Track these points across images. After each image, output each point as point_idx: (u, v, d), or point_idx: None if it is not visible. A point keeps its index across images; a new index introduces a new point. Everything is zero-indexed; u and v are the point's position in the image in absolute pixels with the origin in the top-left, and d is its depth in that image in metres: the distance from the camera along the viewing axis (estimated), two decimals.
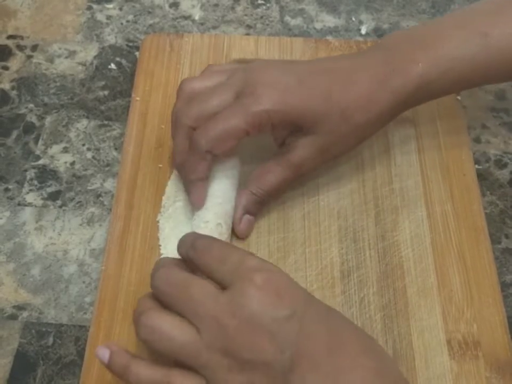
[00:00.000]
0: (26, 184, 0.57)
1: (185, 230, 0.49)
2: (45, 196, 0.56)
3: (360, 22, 0.69)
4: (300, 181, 0.54)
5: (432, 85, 0.50)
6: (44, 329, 0.50)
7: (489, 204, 0.57)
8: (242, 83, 0.48)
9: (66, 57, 0.66)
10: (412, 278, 0.50)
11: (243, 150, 0.52)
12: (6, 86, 0.63)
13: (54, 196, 0.56)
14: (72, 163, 0.58)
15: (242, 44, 0.64)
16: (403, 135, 0.58)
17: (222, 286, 0.41)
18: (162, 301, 0.42)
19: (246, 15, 0.69)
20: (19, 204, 0.56)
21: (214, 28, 0.68)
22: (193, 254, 0.42)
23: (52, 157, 0.59)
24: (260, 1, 0.71)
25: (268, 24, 0.69)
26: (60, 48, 0.66)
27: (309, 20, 0.69)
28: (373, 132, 0.52)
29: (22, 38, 0.67)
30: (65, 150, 0.59)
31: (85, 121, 0.61)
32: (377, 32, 0.68)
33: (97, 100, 0.63)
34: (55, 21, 0.69)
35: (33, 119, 0.61)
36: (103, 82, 0.64)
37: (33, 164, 0.58)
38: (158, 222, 0.52)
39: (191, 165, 0.49)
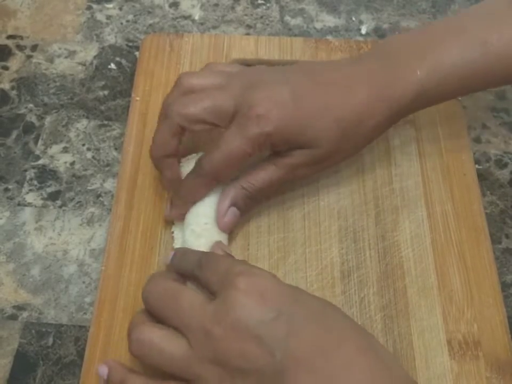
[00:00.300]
0: (26, 184, 0.57)
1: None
2: (45, 196, 0.56)
3: (360, 22, 0.69)
4: (300, 182, 0.54)
5: (431, 92, 0.49)
6: (43, 329, 0.50)
7: (490, 203, 0.57)
8: (239, 92, 0.48)
9: (66, 57, 0.66)
10: (412, 278, 0.50)
11: None
12: (6, 86, 0.63)
13: (54, 196, 0.56)
14: (72, 163, 0.58)
15: (242, 44, 0.64)
16: (403, 136, 0.58)
17: (214, 296, 0.41)
18: (153, 314, 0.42)
19: (246, 15, 0.69)
20: (19, 204, 0.56)
21: (214, 27, 0.68)
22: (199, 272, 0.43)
23: (52, 157, 0.59)
24: (259, 1, 0.71)
25: (268, 24, 0.69)
26: (59, 48, 0.66)
27: (309, 20, 0.69)
28: (371, 141, 0.52)
29: (21, 38, 0.67)
30: (65, 150, 0.59)
31: (84, 121, 0.61)
32: (377, 32, 0.68)
33: (97, 99, 0.63)
34: (55, 21, 0.69)
35: (33, 119, 0.61)
36: (103, 82, 0.64)
37: (33, 163, 0.58)
38: (172, 232, 0.52)
39: (192, 187, 0.49)
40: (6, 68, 0.65)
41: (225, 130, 0.48)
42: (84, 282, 0.52)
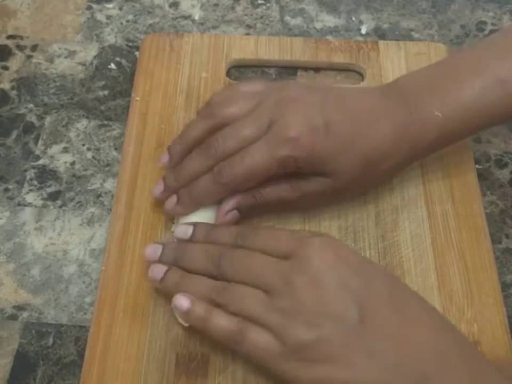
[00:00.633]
0: (26, 184, 0.57)
1: None
2: (45, 196, 0.56)
3: (360, 22, 0.69)
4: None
5: (451, 134, 0.50)
6: (44, 329, 0.50)
7: (490, 203, 0.57)
8: (271, 113, 0.48)
9: (66, 57, 0.66)
10: (412, 278, 0.50)
11: None
12: (6, 86, 0.63)
13: (54, 196, 0.56)
14: (72, 163, 0.58)
15: (242, 44, 0.64)
16: None
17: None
18: (219, 274, 0.45)
19: (246, 15, 0.69)
20: (19, 204, 0.56)
21: (214, 27, 0.68)
22: (243, 241, 0.46)
23: (52, 157, 0.59)
24: (259, 1, 0.71)
25: (268, 24, 0.69)
26: (59, 48, 0.66)
27: (309, 20, 0.69)
28: (389, 179, 0.54)
29: (21, 38, 0.67)
30: (65, 150, 0.59)
31: (85, 121, 0.61)
32: (377, 32, 0.68)
33: (97, 99, 0.63)
34: (55, 21, 0.69)
35: (33, 119, 0.61)
36: (103, 82, 0.64)
37: (33, 164, 0.58)
38: (172, 232, 0.51)
39: (206, 191, 0.49)
40: (6, 68, 0.65)
41: (253, 143, 0.48)
42: (84, 282, 0.52)
